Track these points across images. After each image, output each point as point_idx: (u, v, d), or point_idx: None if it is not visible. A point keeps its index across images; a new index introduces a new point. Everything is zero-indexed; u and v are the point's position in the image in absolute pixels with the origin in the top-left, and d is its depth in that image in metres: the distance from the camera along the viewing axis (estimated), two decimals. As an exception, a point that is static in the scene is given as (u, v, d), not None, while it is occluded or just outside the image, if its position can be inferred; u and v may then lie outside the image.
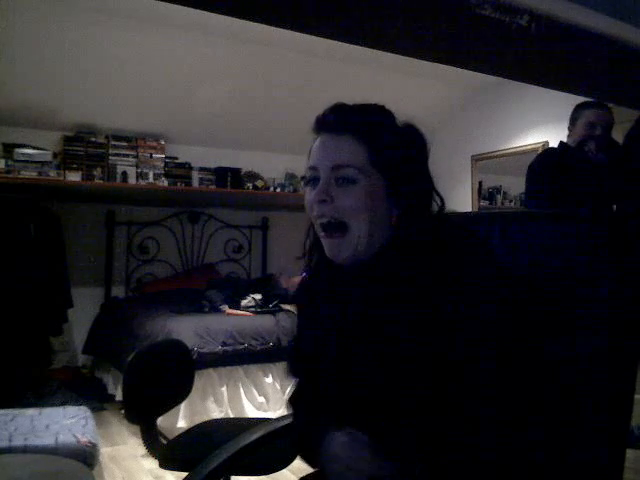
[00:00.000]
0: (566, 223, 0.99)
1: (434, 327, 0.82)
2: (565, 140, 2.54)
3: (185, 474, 1.03)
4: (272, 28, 1.02)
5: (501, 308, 0.83)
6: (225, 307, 3.65)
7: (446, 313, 0.81)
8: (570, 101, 2.44)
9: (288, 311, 3.52)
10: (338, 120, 0.90)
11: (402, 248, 0.87)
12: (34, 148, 3.61)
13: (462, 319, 0.81)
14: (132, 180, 3.98)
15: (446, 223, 0.92)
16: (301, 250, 0.99)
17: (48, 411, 2.22)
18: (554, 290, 0.93)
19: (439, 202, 0.92)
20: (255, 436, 1.08)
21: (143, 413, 1.59)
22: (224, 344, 3.10)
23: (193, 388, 1.84)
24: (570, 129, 2.51)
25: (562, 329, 0.91)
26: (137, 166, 4.03)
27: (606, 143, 2.42)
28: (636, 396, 0.89)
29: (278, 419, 1.20)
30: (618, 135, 2.55)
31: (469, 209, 4.49)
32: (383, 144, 0.88)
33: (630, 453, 0.90)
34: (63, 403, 3.06)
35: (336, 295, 0.96)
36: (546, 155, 2.69)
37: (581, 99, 2.39)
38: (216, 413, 3.05)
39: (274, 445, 1.16)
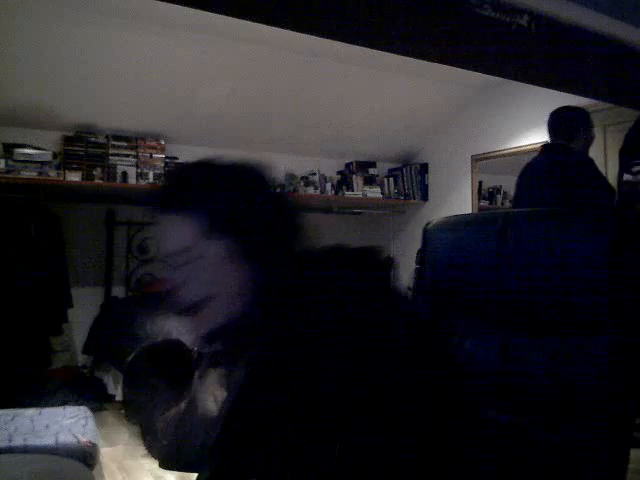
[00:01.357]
0: (566, 222, 0.98)
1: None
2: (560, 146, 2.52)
3: (185, 474, 1.03)
4: (272, 28, 1.03)
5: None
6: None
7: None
8: (570, 101, 2.44)
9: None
10: (162, 205, 0.83)
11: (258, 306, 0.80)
12: (34, 148, 3.61)
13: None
14: (132, 180, 3.98)
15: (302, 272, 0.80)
16: None
17: (48, 411, 2.22)
18: (553, 292, 0.93)
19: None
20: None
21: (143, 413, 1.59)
22: (224, 344, 3.09)
23: (193, 388, 1.84)
24: (580, 135, 2.47)
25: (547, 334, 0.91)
26: (137, 166, 4.02)
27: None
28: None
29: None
30: (618, 135, 2.55)
31: (469, 209, 4.49)
32: (208, 209, 0.80)
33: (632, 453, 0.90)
34: (63, 403, 3.05)
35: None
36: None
37: (581, 99, 2.38)
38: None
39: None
